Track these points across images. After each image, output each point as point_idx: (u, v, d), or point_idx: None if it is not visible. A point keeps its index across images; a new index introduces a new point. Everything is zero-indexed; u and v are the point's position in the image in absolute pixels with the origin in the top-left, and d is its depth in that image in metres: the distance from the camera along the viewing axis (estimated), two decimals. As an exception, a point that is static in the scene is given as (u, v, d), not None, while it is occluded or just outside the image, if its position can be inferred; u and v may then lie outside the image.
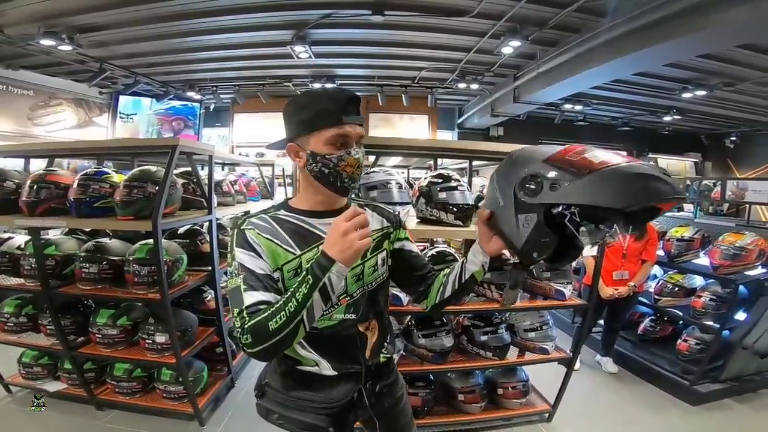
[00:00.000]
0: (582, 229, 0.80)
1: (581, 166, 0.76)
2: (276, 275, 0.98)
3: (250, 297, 0.91)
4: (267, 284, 0.94)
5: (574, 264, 3.88)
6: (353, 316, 1.10)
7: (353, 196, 1.26)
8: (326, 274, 0.87)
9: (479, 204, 0.96)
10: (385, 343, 1.19)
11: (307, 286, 0.87)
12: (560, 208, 0.80)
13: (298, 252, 1.01)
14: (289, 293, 0.89)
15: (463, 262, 1.11)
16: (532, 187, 0.83)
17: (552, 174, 0.80)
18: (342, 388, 1.11)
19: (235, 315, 0.90)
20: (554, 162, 0.82)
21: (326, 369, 1.09)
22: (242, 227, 1.01)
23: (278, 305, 0.88)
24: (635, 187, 0.71)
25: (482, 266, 1.07)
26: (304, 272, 0.90)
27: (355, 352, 1.12)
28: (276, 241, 1.01)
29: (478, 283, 1.10)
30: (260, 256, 0.97)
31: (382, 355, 1.18)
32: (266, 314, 0.87)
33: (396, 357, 2.30)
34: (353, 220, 0.88)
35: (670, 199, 0.74)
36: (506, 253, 1.08)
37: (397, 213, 1.25)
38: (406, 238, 1.23)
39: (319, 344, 1.08)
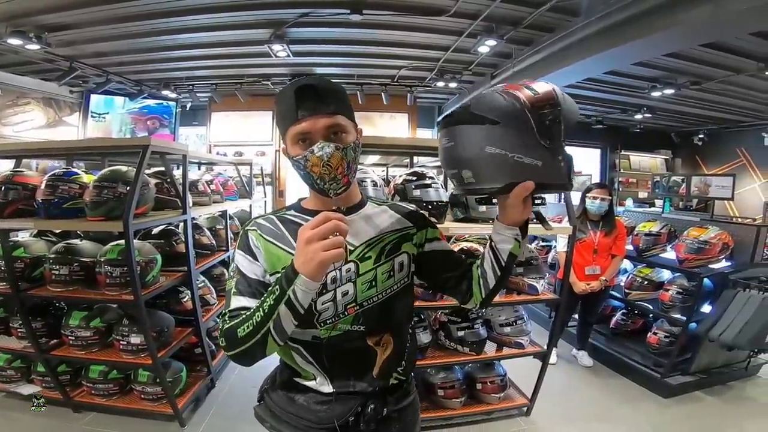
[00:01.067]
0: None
1: (551, 96, 0.82)
2: (274, 279, 0.90)
3: (236, 301, 0.90)
4: (256, 290, 0.91)
5: (549, 259, 3.98)
6: (362, 328, 0.97)
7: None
8: (290, 287, 0.80)
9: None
10: (403, 362, 1.05)
11: (273, 298, 0.81)
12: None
13: None
14: (260, 301, 0.84)
15: (491, 245, 0.98)
16: (547, 127, 0.81)
17: (551, 115, 0.81)
18: (338, 408, 0.99)
19: (219, 317, 0.90)
20: (539, 105, 0.82)
21: (324, 385, 0.99)
22: (246, 228, 0.99)
23: (249, 313, 0.84)
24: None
25: (515, 239, 0.95)
26: (274, 281, 0.84)
27: (360, 369, 1.00)
28: (278, 243, 0.96)
29: (517, 258, 0.98)
30: (256, 260, 0.94)
31: (394, 376, 1.04)
32: (238, 320, 0.85)
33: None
34: (318, 228, 0.77)
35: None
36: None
37: (420, 211, 1.13)
38: (437, 238, 1.10)
39: (319, 356, 0.98)
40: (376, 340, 1.00)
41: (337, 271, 0.96)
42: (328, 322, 0.96)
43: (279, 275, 0.83)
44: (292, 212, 1.03)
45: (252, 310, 0.84)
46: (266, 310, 0.82)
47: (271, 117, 7.33)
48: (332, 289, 0.95)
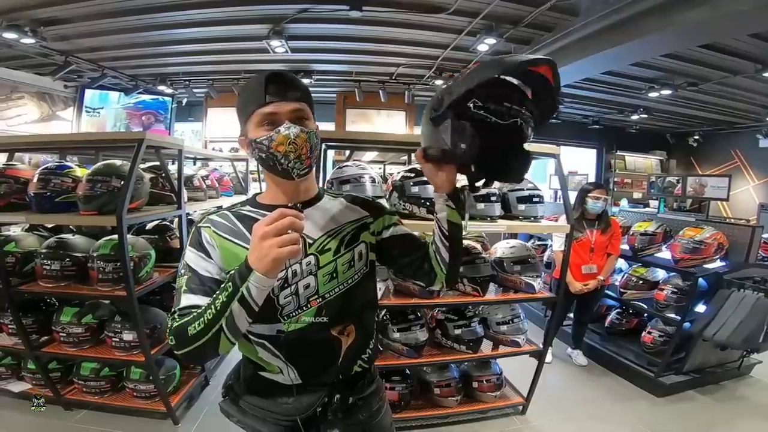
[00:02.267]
0: (491, 109, 0.85)
1: (464, 72, 0.87)
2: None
3: (186, 299, 0.88)
4: (209, 288, 0.89)
5: (545, 258, 3.98)
6: (325, 320, 0.98)
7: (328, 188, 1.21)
8: (244, 284, 0.78)
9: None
10: (368, 350, 1.08)
11: (226, 295, 0.80)
12: (468, 105, 0.86)
13: None
14: (212, 298, 0.82)
15: (435, 219, 1.02)
16: (438, 104, 0.89)
17: (446, 90, 0.88)
18: (305, 400, 1.01)
19: (169, 315, 0.88)
20: (446, 85, 0.91)
21: (291, 377, 1.00)
22: (199, 225, 0.97)
23: (200, 311, 0.82)
24: (506, 62, 0.82)
25: (447, 205, 0.98)
26: (227, 278, 0.82)
27: (325, 360, 1.01)
28: (234, 240, 0.95)
29: (460, 226, 1.01)
30: (210, 258, 0.93)
31: (358, 364, 1.06)
32: (189, 318, 0.83)
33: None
34: (274, 224, 0.76)
35: (538, 61, 0.83)
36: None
37: (377, 201, 1.15)
38: (394, 224, 1.12)
39: (284, 350, 0.98)
40: (340, 329, 1.01)
41: (298, 264, 0.96)
42: (291, 315, 0.96)
43: (232, 272, 0.82)
44: (248, 208, 1.02)
45: (203, 308, 0.82)
46: (218, 308, 0.80)
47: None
48: (294, 282, 0.96)
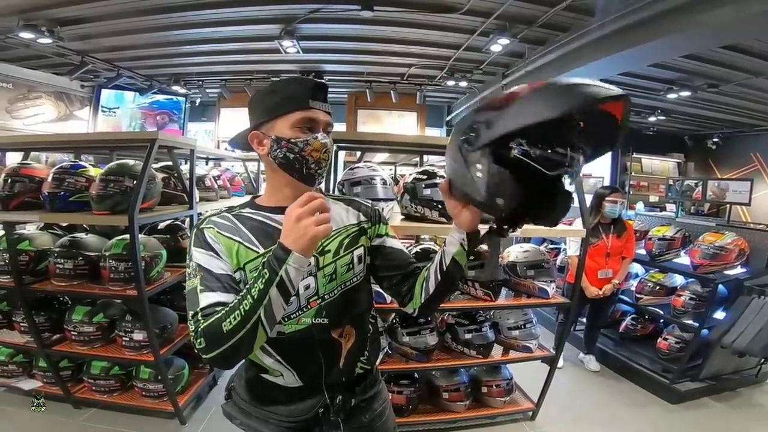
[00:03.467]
0: (538, 155, 0.70)
1: (508, 98, 0.72)
2: (238, 275, 0.92)
3: (206, 298, 0.84)
4: (226, 284, 0.87)
5: (558, 262, 3.92)
6: (325, 321, 0.99)
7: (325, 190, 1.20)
8: (283, 267, 0.79)
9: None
10: (366, 352, 1.08)
11: (263, 281, 0.79)
12: (510, 145, 0.71)
13: (262, 250, 0.94)
14: (245, 290, 0.81)
15: (442, 249, 0.99)
16: (472, 136, 0.77)
17: (484, 117, 0.75)
18: (307, 402, 1.02)
19: (190, 318, 0.84)
20: (485, 107, 0.78)
21: (291, 380, 1.00)
22: (201, 226, 0.96)
23: (233, 304, 0.81)
24: (567, 93, 0.66)
25: (461, 244, 0.94)
26: (260, 266, 0.82)
27: (326, 362, 1.01)
28: (237, 239, 0.95)
29: (463, 268, 0.96)
30: (219, 256, 0.91)
31: (359, 366, 1.07)
32: (220, 315, 0.80)
33: (381, 355, 2.29)
34: (308, 205, 0.80)
35: (609, 99, 0.67)
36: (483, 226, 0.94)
37: (376, 207, 1.16)
38: (387, 234, 1.12)
39: (285, 352, 0.99)
40: (339, 332, 1.02)
41: None
42: (292, 316, 0.97)
43: (266, 258, 0.82)
44: (248, 210, 1.02)
45: (236, 301, 0.81)
46: (256, 296, 0.79)
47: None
48: None
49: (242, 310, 0.79)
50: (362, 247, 1.07)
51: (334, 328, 1.01)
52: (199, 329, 0.81)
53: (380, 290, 1.82)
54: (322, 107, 0.96)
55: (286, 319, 0.96)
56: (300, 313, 0.97)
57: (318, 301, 0.99)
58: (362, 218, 1.10)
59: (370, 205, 1.15)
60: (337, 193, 2.23)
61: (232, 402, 1.10)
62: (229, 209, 1.03)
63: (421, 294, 1.03)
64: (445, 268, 0.97)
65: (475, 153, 0.76)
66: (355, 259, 1.05)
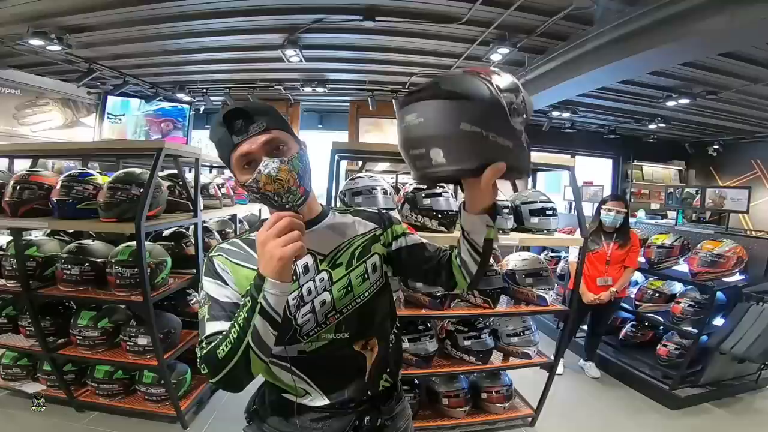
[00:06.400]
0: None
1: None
2: None
3: (210, 327, 0.86)
4: (230, 312, 0.86)
5: (558, 270, 3.94)
6: (346, 335, 0.98)
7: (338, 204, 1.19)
8: (261, 294, 0.78)
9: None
10: (390, 362, 1.06)
11: (247, 310, 0.79)
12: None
13: None
14: (234, 318, 0.82)
15: (464, 235, 0.96)
16: (522, 107, 0.79)
17: (511, 95, 0.78)
18: (335, 424, 0.99)
19: (197, 345, 0.87)
20: (504, 83, 0.78)
21: (318, 398, 0.98)
22: (211, 255, 0.97)
23: (225, 332, 0.82)
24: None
25: (488, 225, 0.92)
26: (245, 293, 0.82)
27: (351, 377, 1.00)
28: (247, 265, 0.94)
29: (493, 241, 0.95)
30: (226, 284, 0.92)
31: (384, 379, 1.04)
32: (215, 343, 0.82)
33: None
34: (273, 227, 0.77)
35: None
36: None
37: (382, 210, 1.14)
38: (404, 233, 1.11)
39: (309, 370, 0.98)
40: (363, 344, 1.01)
41: (311, 281, 0.97)
42: (311, 334, 0.96)
43: (248, 288, 0.82)
44: (256, 234, 1.01)
45: (227, 329, 0.82)
46: (241, 324, 0.79)
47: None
48: (309, 300, 0.96)
49: (231, 338, 0.80)
50: (376, 255, 1.05)
51: (356, 342, 1.00)
52: (202, 356, 0.83)
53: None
54: (247, 134, 0.87)
55: (305, 337, 0.96)
56: (319, 329, 0.96)
57: (336, 316, 0.97)
58: (371, 226, 1.09)
59: (376, 210, 1.14)
60: (339, 203, 2.26)
61: (255, 426, 1.07)
62: (239, 235, 1.04)
63: (465, 278, 1.02)
64: (482, 250, 0.95)
65: (522, 129, 0.80)
66: (369, 269, 1.03)
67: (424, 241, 1.14)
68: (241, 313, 0.80)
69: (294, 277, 0.91)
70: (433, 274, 1.08)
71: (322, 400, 0.98)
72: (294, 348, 0.96)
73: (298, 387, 0.98)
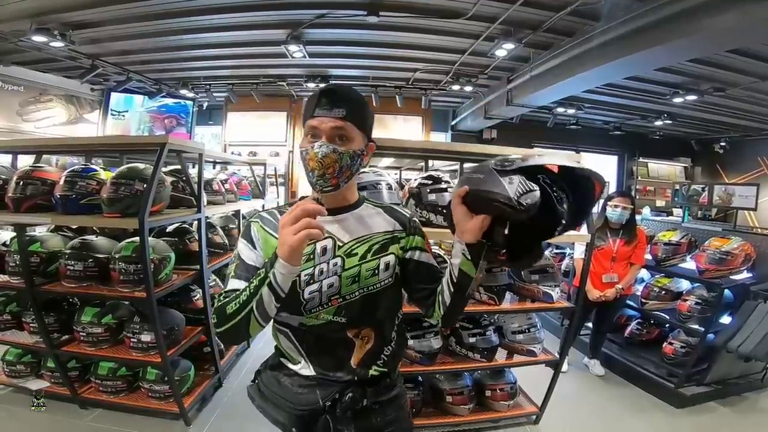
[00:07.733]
0: (555, 192, 0.89)
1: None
2: None
3: (231, 284, 0.98)
4: (251, 274, 0.96)
5: (563, 267, 3.91)
6: (343, 320, 1.04)
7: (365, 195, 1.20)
8: (271, 269, 0.87)
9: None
10: (383, 356, 1.10)
11: (258, 280, 0.89)
12: (537, 176, 0.88)
13: None
14: (248, 283, 0.92)
15: (450, 261, 1.00)
16: (507, 163, 0.88)
17: (516, 157, 0.90)
18: (317, 393, 1.06)
19: (217, 295, 0.99)
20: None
21: (306, 369, 1.08)
22: (250, 220, 1.08)
23: (238, 292, 0.92)
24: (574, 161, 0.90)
25: (463, 254, 0.95)
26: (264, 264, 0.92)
27: (339, 358, 1.06)
28: (275, 234, 1.01)
29: (471, 278, 0.96)
30: (254, 248, 1.02)
31: (374, 368, 1.09)
32: (229, 299, 0.92)
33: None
34: (291, 214, 0.83)
35: (599, 178, 0.91)
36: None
37: (413, 218, 1.16)
38: (420, 248, 1.12)
39: (304, 342, 1.07)
40: (356, 332, 1.07)
41: (325, 263, 1.03)
42: (312, 311, 1.04)
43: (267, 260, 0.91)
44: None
45: (241, 290, 0.92)
46: (252, 291, 0.89)
47: (285, 118, 7.45)
48: (319, 280, 1.03)
49: (240, 299, 0.90)
50: (392, 255, 1.09)
51: (350, 328, 1.06)
52: (216, 306, 0.95)
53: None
54: (326, 113, 0.96)
55: (307, 312, 1.03)
56: (320, 308, 1.04)
57: (339, 300, 1.04)
58: (397, 227, 1.12)
59: (408, 215, 1.16)
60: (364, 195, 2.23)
61: (256, 384, 1.18)
62: (280, 207, 1.14)
63: (441, 307, 1.06)
64: (455, 280, 0.98)
65: (509, 172, 0.87)
66: (381, 266, 1.07)
67: (437, 266, 1.15)
68: (254, 280, 0.90)
69: (311, 256, 1.02)
70: (424, 295, 1.11)
71: (309, 371, 1.07)
72: (296, 319, 1.05)
73: (293, 355, 1.09)
